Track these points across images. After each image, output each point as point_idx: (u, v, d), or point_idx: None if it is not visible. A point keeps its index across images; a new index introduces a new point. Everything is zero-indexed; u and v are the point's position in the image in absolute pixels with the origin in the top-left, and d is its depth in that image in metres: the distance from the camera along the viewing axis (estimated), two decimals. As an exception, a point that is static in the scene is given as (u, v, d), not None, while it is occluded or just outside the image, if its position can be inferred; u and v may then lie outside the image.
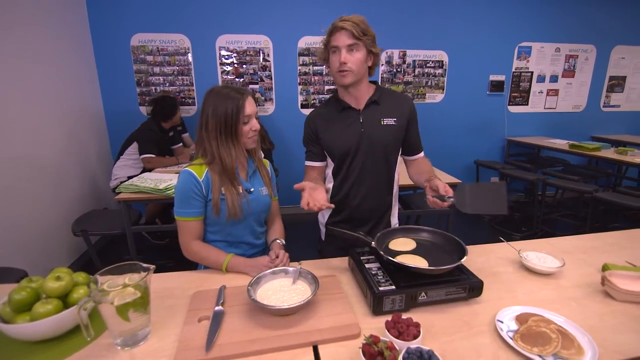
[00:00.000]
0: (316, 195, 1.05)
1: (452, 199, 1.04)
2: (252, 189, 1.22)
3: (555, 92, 4.18)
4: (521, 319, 0.86)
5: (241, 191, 1.17)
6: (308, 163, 1.39)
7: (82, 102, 3.02)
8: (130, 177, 2.64)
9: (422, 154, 1.40)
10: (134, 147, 2.76)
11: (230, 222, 1.17)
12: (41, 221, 2.39)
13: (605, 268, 1.10)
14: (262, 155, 1.36)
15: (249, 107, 1.14)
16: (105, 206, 3.21)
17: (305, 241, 3.32)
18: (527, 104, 4.16)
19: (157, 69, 3.37)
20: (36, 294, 0.82)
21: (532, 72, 4.05)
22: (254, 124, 1.17)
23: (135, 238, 2.26)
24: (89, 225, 2.27)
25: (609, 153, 3.37)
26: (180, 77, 3.43)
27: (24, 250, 2.20)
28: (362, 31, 1.14)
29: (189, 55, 3.38)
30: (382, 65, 3.71)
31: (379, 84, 1.36)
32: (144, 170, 2.74)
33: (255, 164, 1.27)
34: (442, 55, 3.80)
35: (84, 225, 2.25)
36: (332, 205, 1.10)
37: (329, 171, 1.39)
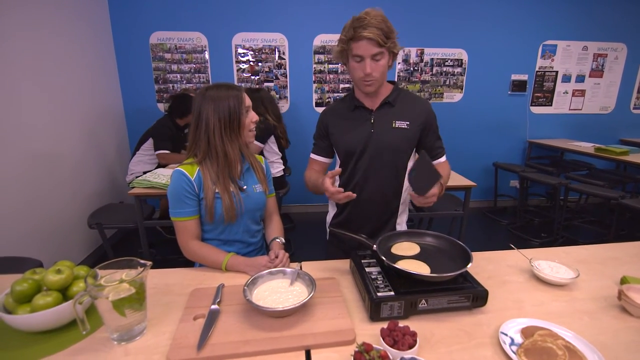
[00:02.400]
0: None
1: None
2: (244, 187, 1.21)
3: (582, 93, 4.00)
4: (527, 332, 0.81)
5: (234, 189, 1.17)
6: (313, 156, 1.38)
7: (102, 99, 3.11)
8: (145, 173, 2.70)
9: (441, 159, 1.35)
10: (149, 143, 2.82)
11: (224, 221, 1.17)
12: (59, 214, 2.48)
13: (624, 281, 1.03)
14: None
15: (247, 99, 1.16)
16: (122, 200, 3.30)
17: (314, 240, 3.31)
18: (551, 105, 4.00)
19: (174, 67, 3.44)
20: (37, 286, 0.84)
21: (556, 72, 3.88)
22: (253, 115, 1.18)
23: (149, 232, 2.31)
24: (104, 219, 2.33)
25: (638, 158, 3.19)
26: (197, 75, 3.48)
27: (41, 241, 2.28)
28: (386, 35, 1.08)
29: (206, 53, 3.42)
30: (398, 63, 3.65)
31: (397, 83, 1.32)
32: (159, 166, 2.79)
33: (249, 161, 1.25)
34: (461, 54, 3.70)
35: (99, 219, 2.31)
36: (353, 195, 1.08)
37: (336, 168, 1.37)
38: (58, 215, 2.45)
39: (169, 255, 2.89)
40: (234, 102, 1.11)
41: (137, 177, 2.66)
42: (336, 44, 1.19)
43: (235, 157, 1.16)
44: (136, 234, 2.39)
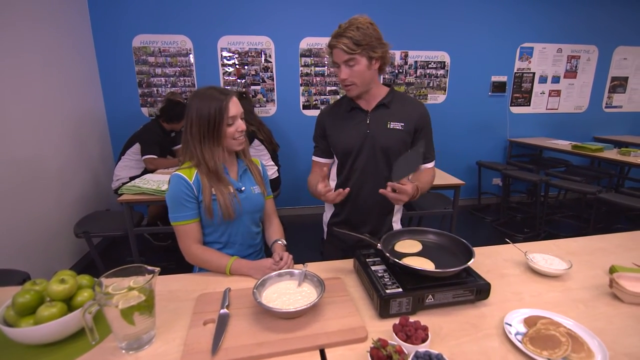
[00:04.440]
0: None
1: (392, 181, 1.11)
2: (242, 188, 1.21)
3: (557, 93, 4.18)
4: (530, 322, 0.85)
5: (232, 191, 1.16)
6: (314, 158, 1.42)
7: (84, 104, 3.02)
8: (132, 178, 2.64)
9: (429, 165, 1.39)
10: (135, 148, 2.76)
11: (224, 223, 1.17)
12: (44, 223, 2.38)
13: (612, 270, 1.09)
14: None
15: (233, 108, 1.12)
16: (108, 207, 3.21)
17: (307, 242, 3.32)
18: (529, 105, 4.15)
19: (158, 70, 3.37)
20: (40, 297, 0.82)
21: (534, 73, 4.04)
22: (240, 125, 1.15)
23: (137, 239, 2.25)
24: (91, 227, 2.27)
25: (612, 154, 3.36)
26: (182, 79, 3.43)
27: (26, 252, 2.19)
28: (357, 42, 1.12)
29: (191, 56, 3.38)
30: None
31: (393, 86, 1.35)
32: (146, 171, 2.73)
33: (245, 163, 1.26)
34: (444, 56, 3.80)
35: (86, 227, 2.24)
36: (345, 191, 1.13)
37: (334, 169, 1.39)
38: (42, 224, 2.36)
39: (158, 262, 2.82)
40: (215, 109, 1.09)
41: (123, 182, 2.60)
42: (324, 47, 1.25)
43: (214, 165, 1.13)
44: (123, 242, 2.34)
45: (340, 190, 1.12)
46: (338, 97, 3.58)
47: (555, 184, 3.14)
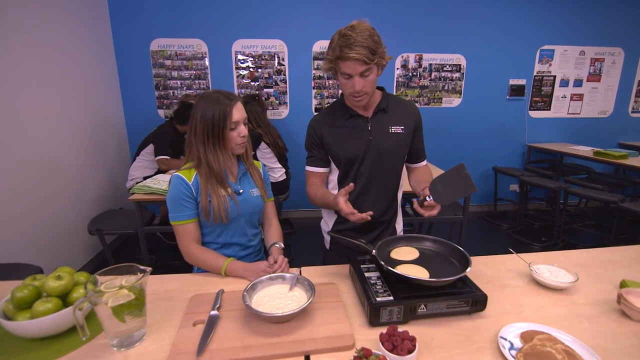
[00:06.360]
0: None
1: (430, 198, 1.04)
2: (241, 190, 1.22)
3: (580, 97, 4.02)
4: (526, 336, 0.81)
5: (230, 193, 1.18)
6: (310, 169, 1.34)
7: (103, 106, 3.13)
8: (146, 178, 2.71)
9: (424, 163, 1.40)
10: (149, 148, 2.83)
11: (220, 224, 1.18)
12: (60, 220, 2.48)
13: (623, 285, 1.03)
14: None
15: (237, 113, 1.13)
16: (122, 206, 3.30)
17: (315, 244, 3.30)
18: (550, 109, 4.01)
19: (175, 73, 3.46)
20: (37, 292, 0.85)
21: (554, 76, 3.91)
22: (242, 130, 1.16)
23: (149, 238, 2.31)
24: (104, 225, 2.34)
25: (637, 161, 3.20)
26: (197, 81, 3.50)
27: (42, 248, 2.28)
28: (373, 51, 1.06)
29: (206, 59, 3.45)
30: (397, 69, 3.67)
31: (385, 90, 1.33)
32: (158, 172, 2.80)
33: (246, 166, 1.27)
34: (459, 59, 3.72)
35: (99, 225, 2.32)
36: (368, 218, 1.05)
37: (333, 177, 1.36)
38: (58, 221, 2.46)
39: (169, 261, 2.89)
40: (219, 114, 1.11)
41: (137, 182, 2.67)
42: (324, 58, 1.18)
43: (218, 167, 1.15)
44: (136, 240, 2.39)
45: (364, 215, 1.04)
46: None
47: (575, 192, 3.01)
